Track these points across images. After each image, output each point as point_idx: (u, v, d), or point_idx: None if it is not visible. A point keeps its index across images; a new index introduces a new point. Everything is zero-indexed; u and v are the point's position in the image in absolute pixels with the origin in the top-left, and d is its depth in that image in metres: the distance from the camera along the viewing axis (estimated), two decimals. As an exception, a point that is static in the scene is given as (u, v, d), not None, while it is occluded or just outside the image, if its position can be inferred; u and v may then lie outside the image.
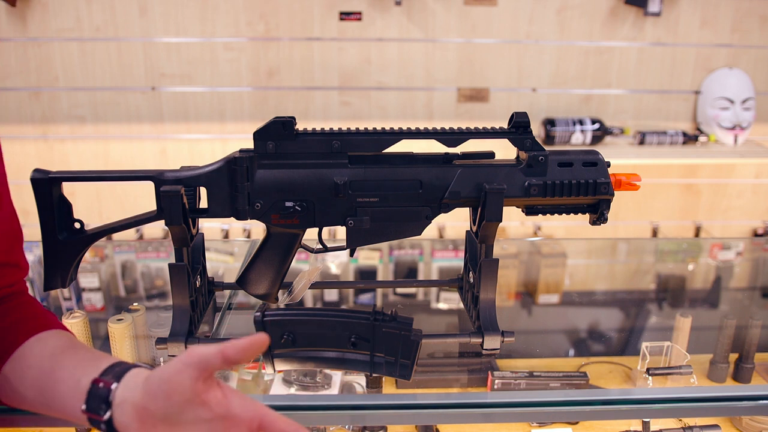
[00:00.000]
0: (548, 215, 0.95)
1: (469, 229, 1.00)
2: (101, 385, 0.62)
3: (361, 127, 0.91)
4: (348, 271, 1.74)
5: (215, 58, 2.50)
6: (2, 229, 0.74)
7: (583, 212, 0.95)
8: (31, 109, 2.52)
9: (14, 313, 0.73)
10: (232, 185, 0.89)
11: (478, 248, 0.94)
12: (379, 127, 0.91)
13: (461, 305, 1.09)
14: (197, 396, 0.58)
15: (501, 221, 0.90)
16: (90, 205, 2.66)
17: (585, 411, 0.85)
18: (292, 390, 1.21)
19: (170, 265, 0.91)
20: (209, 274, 1.06)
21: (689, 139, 2.55)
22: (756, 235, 2.86)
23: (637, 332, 1.47)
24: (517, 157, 0.95)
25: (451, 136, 0.91)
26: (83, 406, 0.62)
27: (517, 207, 0.95)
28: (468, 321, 1.02)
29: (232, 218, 0.91)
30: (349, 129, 0.90)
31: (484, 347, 0.94)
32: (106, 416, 0.61)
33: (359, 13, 2.46)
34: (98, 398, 0.62)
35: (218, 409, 0.59)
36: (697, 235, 2.83)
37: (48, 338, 0.71)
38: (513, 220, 2.75)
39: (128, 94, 2.53)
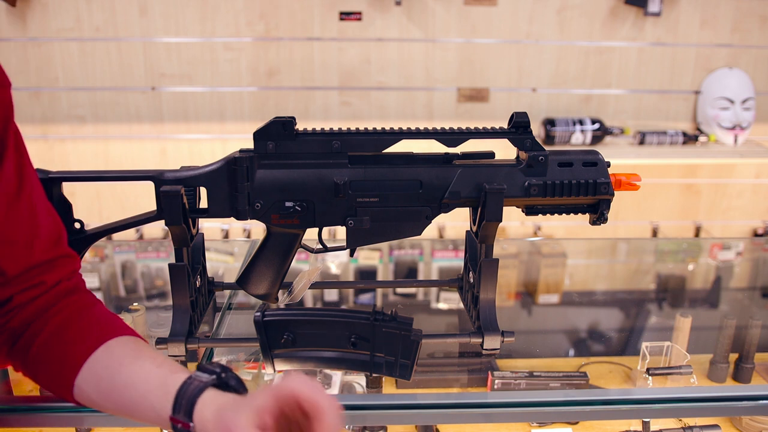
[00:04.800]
0: (548, 215, 0.95)
1: (469, 229, 1.00)
2: (180, 426, 0.66)
3: (361, 127, 0.91)
4: (348, 271, 1.74)
5: (215, 58, 2.50)
6: (46, 223, 0.74)
7: (583, 212, 0.95)
8: (31, 109, 2.52)
9: (79, 321, 0.74)
10: (232, 185, 0.89)
11: (478, 248, 0.94)
12: (379, 127, 0.91)
13: (461, 305, 1.09)
14: None
15: (501, 221, 0.90)
16: (90, 205, 2.66)
17: (585, 411, 0.85)
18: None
19: (170, 265, 0.91)
20: (209, 274, 1.06)
21: (689, 139, 2.54)
22: (756, 235, 2.86)
23: (637, 332, 1.47)
24: (517, 157, 0.95)
25: (451, 136, 0.91)
26: None
27: (517, 207, 0.95)
28: (468, 321, 1.02)
29: (232, 218, 0.91)
30: (349, 129, 0.90)
31: (484, 347, 0.94)
32: None
33: (359, 13, 2.46)
34: None
35: (273, 422, 0.62)
36: (697, 235, 2.83)
37: (114, 348, 0.72)
38: (513, 220, 2.75)
39: (128, 94, 2.53)
